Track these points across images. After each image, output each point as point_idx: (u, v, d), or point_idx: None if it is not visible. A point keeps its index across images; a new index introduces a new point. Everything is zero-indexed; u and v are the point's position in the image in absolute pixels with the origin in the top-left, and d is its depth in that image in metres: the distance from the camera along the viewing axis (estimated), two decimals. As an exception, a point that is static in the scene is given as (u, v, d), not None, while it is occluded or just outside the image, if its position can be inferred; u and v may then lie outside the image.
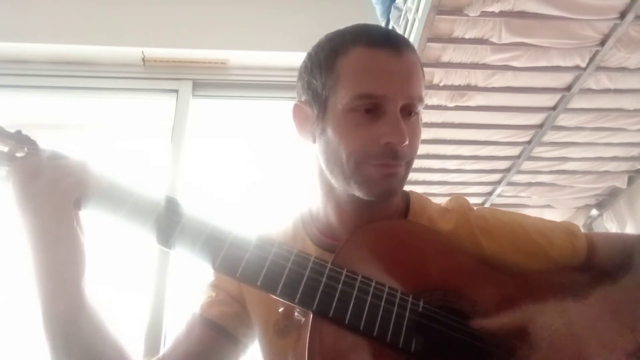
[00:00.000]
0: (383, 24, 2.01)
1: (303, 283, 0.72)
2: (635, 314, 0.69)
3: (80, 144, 2.37)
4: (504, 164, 2.20)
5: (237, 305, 0.90)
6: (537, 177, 2.30)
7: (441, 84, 1.78)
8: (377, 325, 0.70)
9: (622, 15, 1.55)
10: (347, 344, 0.71)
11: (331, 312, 0.70)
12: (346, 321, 0.70)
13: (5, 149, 0.78)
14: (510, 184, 2.31)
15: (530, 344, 0.66)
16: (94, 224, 0.77)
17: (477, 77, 1.78)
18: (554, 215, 2.42)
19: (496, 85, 1.80)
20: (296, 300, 0.71)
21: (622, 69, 1.75)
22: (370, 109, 0.78)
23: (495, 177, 2.27)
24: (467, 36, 1.62)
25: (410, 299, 0.74)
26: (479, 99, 1.87)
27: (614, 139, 2.06)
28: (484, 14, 1.53)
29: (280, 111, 2.44)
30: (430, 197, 0.95)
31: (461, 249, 0.83)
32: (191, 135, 2.34)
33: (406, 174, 0.83)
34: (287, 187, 2.28)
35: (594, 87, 1.82)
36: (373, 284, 0.74)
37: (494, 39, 1.62)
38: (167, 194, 0.77)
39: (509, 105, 1.91)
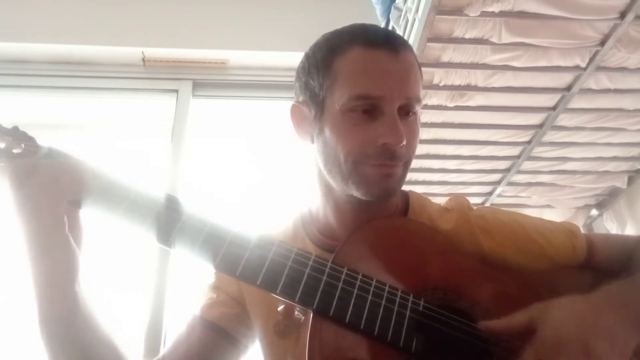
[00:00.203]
0: (383, 24, 2.01)
1: (303, 282, 0.72)
2: None
3: (80, 144, 2.37)
4: (504, 164, 2.20)
5: (238, 306, 0.90)
6: (537, 177, 2.30)
7: (441, 84, 1.78)
8: (378, 324, 0.70)
9: (622, 15, 1.55)
10: (348, 343, 0.70)
11: (331, 311, 0.70)
12: (346, 320, 0.70)
13: (2, 145, 0.77)
14: (510, 184, 2.31)
15: (536, 343, 0.66)
16: (94, 224, 0.76)
17: (477, 77, 1.78)
18: (554, 215, 2.42)
19: (496, 85, 1.80)
20: (296, 299, 0.71)
21: (622, 69, 1.75)
22: (368, 109, 0.78)
23: (495, 177, 2.27)
24: (467, 36, 1.62)
25: (410, 298, 0.74)
26: (479, 99, 1.87)
27: (614, 139, 2.06)
28: (484, 14, 1.53)
29: (280, 111, 2.44)
30: (430, 197, 0.95)
31: (461, 249, 0.83)
32: (191, 135, 2.34)
33: (404, 174, 0.83)
34: (287, 187, 2.28)
35: (594, 87, 1.82)
36: (373, 282, 0.74)
37: (494, 39, 1.62)
38: (166, 192, 0.77)
39: (509, 105, 1.91)
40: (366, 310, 0.71)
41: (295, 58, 0.90)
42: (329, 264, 0.74)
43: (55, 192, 0.71)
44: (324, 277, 0.73)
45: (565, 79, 1.80)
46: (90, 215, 0.75)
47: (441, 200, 0.93)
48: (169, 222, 0.74)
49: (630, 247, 0.85)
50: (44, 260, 0.70)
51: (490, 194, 2.37)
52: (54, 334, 0.71)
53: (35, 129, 0.84)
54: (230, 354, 0.89)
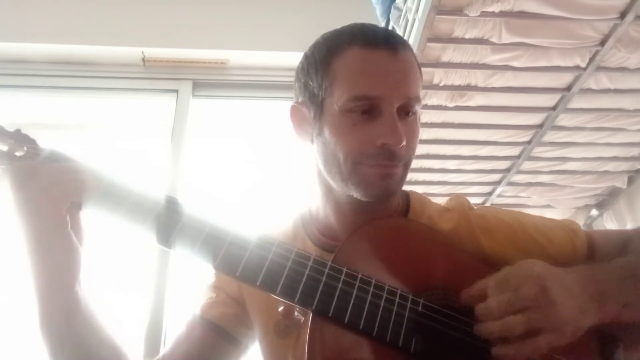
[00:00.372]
0: (383, 24, 2.01)
1: (303, 282, 0.72)
2: (610, 290, 0.71)
3: (80, 144, 2.37)
4: (504, 164, 2.20)
5: (237, 306, 0.90)
6: (537, 177, 2.30)
7: (441, 84, 1.79)
8: (377, 324, 0.70)
9: (622, 15, 1.55)
10: (347, 343, 0.70)
11: (331, 311, 0.70)
12: (346, 320, 0.70)
13: (5, 148, 0.78)
14: (510, 184, 2.31)
15: (498, 274, 0.70)
16: (95, 225, 0.77)
17: (477, 77, 1.78)
18: (553, 216, 2.41)
19: (496, 85, 1.81)
20: (296, 300, 0.71)
21: (622, 69, 1.75)
22: (367, 109, 0.78)
23: (495, 177, 2.27)
24: (467, 36, 1.62)
25: (410, 298, 0.74)
26: (479, 99, 1.87)
27: (614, 139, 2.06)
28: (484, 14, 1.53)
29: (280, 111, 2.44)
30: (430, 197, 0.95)
31: (461, 248, 0.83)
32: (191, 135, 2.34)
33: (404, 175, 0.83)
34: (287, 187, 2.28)
35: (594, 87, 1.82)
36: (373, 283, 0.74)
37: (494, 39, 1.62)
38: (166, 193, 0.77)
39: (509, 105, 1.91)
40: (365, 311, 0.71)
41: (295, 58, 0.90)
42: (329, 264, 0.74)
43: (56, 195, 0.71)
44: (324, 278, 0.73)
45: (565, 79, 1.80)
46: (90, 216, 0.76)
47: (441, 200, 0.93)
48: (169, 223, 0.74)
49: (629, 238, 0.85)
50: (46, 260, 0.70)
51: (490, 194, 2.37)
52: (54, 334, 0.72)
53: (35, 129, 0.84)
54: (230, 353, 0.89)
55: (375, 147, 0.78)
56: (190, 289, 1.85)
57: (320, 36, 0.87)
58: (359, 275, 0.74)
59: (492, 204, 2.38)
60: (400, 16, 1.78)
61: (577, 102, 1.89)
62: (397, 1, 1.84)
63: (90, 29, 2.37)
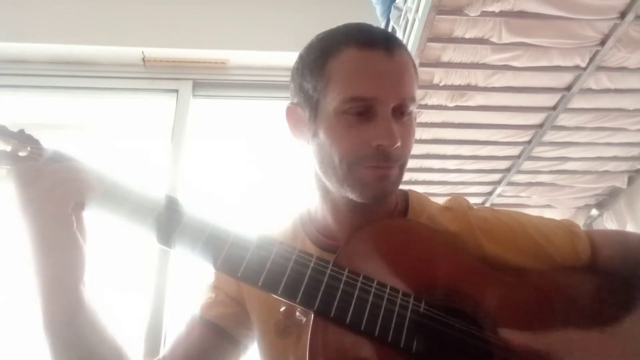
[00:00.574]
0: (383, 24, 2.01)
1: (304, 283, 0.72)
2: None
3: (80, 144, 2.37)
4: (504, 164, 2.20)
5: (237, 306, 0.90)
6: (537, 177, 2.30)
7: (441, 84, 1.78)
8: (379, 325, 0.70)
9: (622, 15, 1.55)
10: (348, 344, 0.70)
11: (332, 312, 0.70)
12: (347, 321, 0.70)
13: (8, 148, 0.79)
14: (510, 184, 2.31)
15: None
16: (95, 225, 0.77)
17: (477, 77, 1.78)
18: (554, 215, 2.42)
19: (496, 85, 1.80)
20: (297, 300, 0.71)
21: (622, 69, 1.75)
22: (362, 111, 0.78)
23: (495, 177, 2.27)
24: (467, 36, 1.62)
25: (411, 299, 0.74)
26: (479, 99, 1.87)
27: (614, 139, 2.06)
28: (484, 13, 1.53)
29: (280, 111, 2.43)
30: (430, 197, 0.95)
31: (462, 249, 0.83)
32: (191, 135, 2.34)
33: (400, 175, 0.83)
34: (287, 187, 2.28)
35: (594, 87, 1.82)
36: (374, 284, 0.74)
37: (494, 39, 1.62)
38: (167, 193, 0.77)
39: (509, 105, 1.91)
40: (367, 311, 0.71)
41: (295, 58, 0.90)
42: (330, 265, 0.74)
43: (60, 195, 0.71)
44: (325, 279, 0.73)
45: (565, 79, 1.80)
46: (92, 216, 0.76)
47: (441, 200, 0.93)
48: (170, 223, 0.74)
49: (631, 247, 0.85)
50: (50, 259, 0.71)
51: (490, 194, 2.37)
52: (57, 334, 0.72)
53: (36, 129, 0.85)
54: (230, 353, 0.89)
55: (371, 149, 0.77)
56: (190, 289, 1.86)
57: (315, 37, 0.86)
58: (361, 276, 0.74)
59: (492, 204, 2.39)
60: (400, 16, 1.78)
61: (577, 102, 1.89)
62: (397, 1, 1.84)
63: (90, 29, 2.37)
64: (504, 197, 2.40)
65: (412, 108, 0.81)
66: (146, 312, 1.87)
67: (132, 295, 1.95)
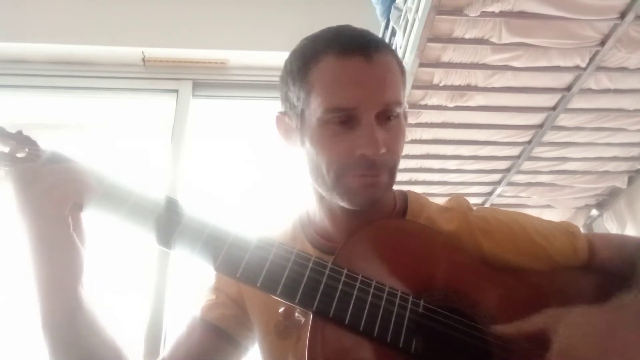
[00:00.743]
0: (383, 24, 2.01)
1: (303, 283, 0.72)
2: None
3: (80, 144, 2.37)
4: (504, 164, 2.20)
5: (237, 307, 0.90)
6: (537, 177, 2.30)
7: (441, 84, 1.78)
8: (378, 325, 0.70)
9: (622, 15, 1.55)
10: (348, 344, 0.71)
11: (331, 312, 0.70)
12: (346, 321, 0.70)
13: (6, 149, 0.79)
14: (510, 184, 2.30)
15: (547, 349, 0.66)
16: (95, 225, 0.77)
17: (477, 77, 1.78)
18: (554, 215, 2.42)
19: (496, 85, 1.80)
20: (296, 301, 0.71)
21: (622, 69, 1.75)
22: (345, 120, 0.77)
23: (495, 177, 2.27)
24: (467, 36, 1.62)
25: (410, 299, 0.74)
26: (479, 99, 1.86)
27: (614, 139, 2.06)
28: (484, 14, 1.53)
29: (280, 111, 2.44)
30: (430, 197, 0.95)
31: (461, 249, 0.83)
32: (191, 135, 2.34)
33: (390, 180, 0.82)
34: (287, 188, 2.28)
35: (594, 87, 1.82)
36: (373, 284, 0.74)
37: (494, 39, 1.61)
38: (167, 194, 0.77)
39: (509, 105, 1.90)
40: (366, 312, 0.71)
41: (294, 58, 0.90)
42: (329, 265, 0.74)
43: (58, 196, 0.71)
44: (324, 279, 0.73)
45: (565, 79, 1.80)
46: (91, 217, 0.76)
47: (441, 201, 0.93)
48: (169, 224, 0.74)
49: (630, 250, 0.85)
50: (49, 260, 0.71)
51: (490, 194, 2.37)
52: (56, 335, 0.72)
53: (35, 129, 0.85)
54: (230, 355, 0.89)
55: (355, 158, 0.77)
56: (190, 290, 1.86)
57: (299, 42, 0.86)
58: (359, 277, 0.74)
59: (492, 204, 2.38)
60: (400, 16, 1.78)
61: (577, 102, 1.88)
62: (397, 1, 1.84)
63: (90, 29, 2.37)
64: (504, 197, 2.40)
65: (399, 110, 0.80)
66: (146, 313, 1.87)
67: (132, 296, 1.96)
